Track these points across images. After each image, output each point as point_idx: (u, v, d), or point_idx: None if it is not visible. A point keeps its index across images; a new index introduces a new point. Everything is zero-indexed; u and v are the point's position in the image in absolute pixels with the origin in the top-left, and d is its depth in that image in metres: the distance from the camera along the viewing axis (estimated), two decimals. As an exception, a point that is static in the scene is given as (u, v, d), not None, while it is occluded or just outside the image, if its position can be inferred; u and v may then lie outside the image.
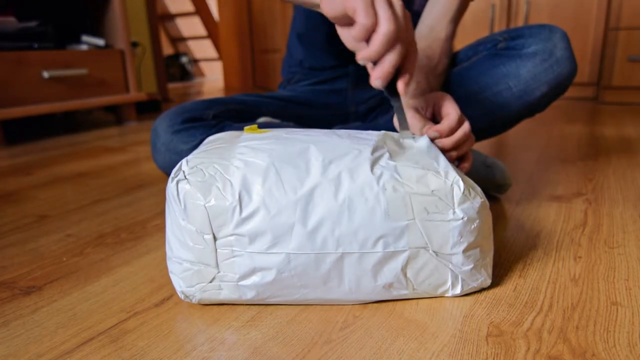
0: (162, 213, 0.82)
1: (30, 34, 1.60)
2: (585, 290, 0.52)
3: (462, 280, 0.49)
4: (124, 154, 1.33)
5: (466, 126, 0.59)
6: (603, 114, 1.71)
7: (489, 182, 0.81)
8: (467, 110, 0.84)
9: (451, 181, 0.47)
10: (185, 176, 0.47)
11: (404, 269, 0.47)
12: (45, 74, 1.57)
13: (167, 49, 4.59)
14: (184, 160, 0.49)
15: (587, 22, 2.02)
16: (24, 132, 1.77)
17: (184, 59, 4.40)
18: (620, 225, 0.69)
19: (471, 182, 0.50)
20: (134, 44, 2.28)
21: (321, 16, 0.78)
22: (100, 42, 1.80)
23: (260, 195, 0.46)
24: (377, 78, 0.48)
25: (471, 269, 0.49)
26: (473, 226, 0.47)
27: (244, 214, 0.45)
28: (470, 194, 0.47)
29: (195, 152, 0.52)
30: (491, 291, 0.52)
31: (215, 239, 0.46)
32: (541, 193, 0.84)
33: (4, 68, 1.48)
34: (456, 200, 0.47)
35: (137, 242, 0.69)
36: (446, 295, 0.51)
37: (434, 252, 0.47)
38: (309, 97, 0.93)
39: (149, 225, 0.76)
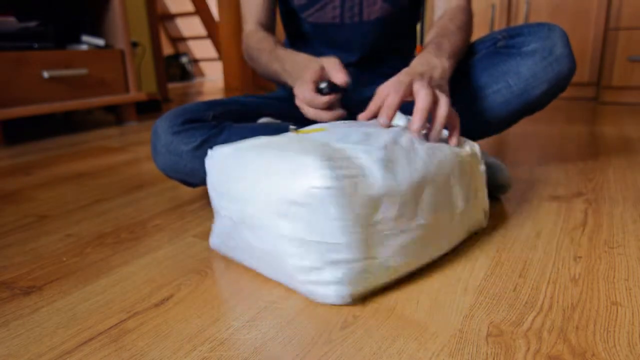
0: (162, 213, 0.82)
1: (30, 34, 1.60)
2: (585, 290, 0.52)
3: None
4: (124, 154, 1.33)
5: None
6: (603, 114, 1.71)
7: (490, 182, 0.81)
8: (467, 108, 0.84)
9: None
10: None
11: None
12: (45, 74, 1.57)
13: (167, 49, 4.59)
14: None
15: (587, 22, 2.02)
16: (24, 132, 1.77)
17: (184, 59, 4.40)
18: (620, 225, 0.69)
19: None
20: (134, 44, 2.28)
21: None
22: (100, 42, 1.81)
23: None
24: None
25: None
26: None
27: None
28: None
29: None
30: (491, 291, 0.52)
31: None
32: (541, 193, 0.84)
33: (4, 68, 1.48)
34: None
35: (137, 242, 0.69)
36: None
37: None
38: None
39: (149, 225, 0.76)
